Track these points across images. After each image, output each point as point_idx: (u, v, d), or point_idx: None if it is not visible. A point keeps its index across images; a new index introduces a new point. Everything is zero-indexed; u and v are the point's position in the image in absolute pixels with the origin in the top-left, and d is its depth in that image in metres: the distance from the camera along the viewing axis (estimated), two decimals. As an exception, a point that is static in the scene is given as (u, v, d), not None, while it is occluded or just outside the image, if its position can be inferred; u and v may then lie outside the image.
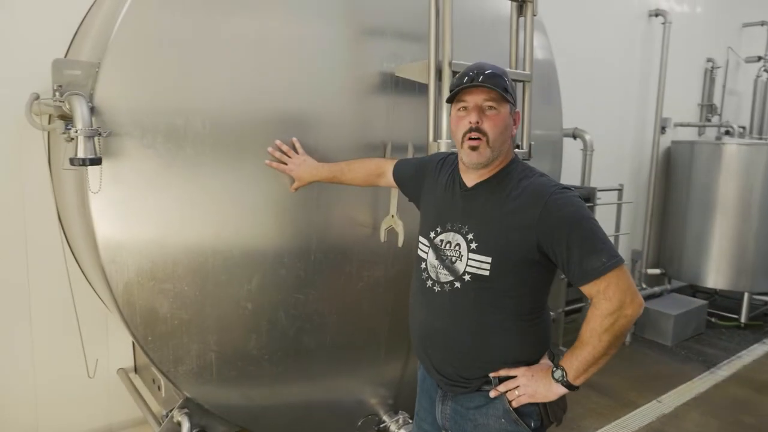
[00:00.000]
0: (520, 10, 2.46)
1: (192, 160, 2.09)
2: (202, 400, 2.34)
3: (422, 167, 2.01)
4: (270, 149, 2.19)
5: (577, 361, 1.62)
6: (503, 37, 2.65)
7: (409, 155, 2.40)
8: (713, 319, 5.73)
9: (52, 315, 2.80)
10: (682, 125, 6.34)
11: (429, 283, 1.78)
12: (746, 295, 5.61)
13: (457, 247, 1.70)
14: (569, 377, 1.64)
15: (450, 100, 1.73)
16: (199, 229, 2.15)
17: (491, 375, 1.72)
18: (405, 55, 2.47)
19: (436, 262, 1.76)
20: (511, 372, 1.71)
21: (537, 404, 1.71)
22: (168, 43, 2.03)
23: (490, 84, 1.61)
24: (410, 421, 2.76)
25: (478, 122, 1.63)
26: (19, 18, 2.57)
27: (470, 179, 1.74)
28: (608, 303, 1.54)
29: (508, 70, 2.48)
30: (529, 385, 1.68)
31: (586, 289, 1.59)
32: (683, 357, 4.88)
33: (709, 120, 6.64)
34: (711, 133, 6.64)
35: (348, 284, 2.51)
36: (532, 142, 2.50)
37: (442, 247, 1.74)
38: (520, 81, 2.49)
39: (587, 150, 4.81)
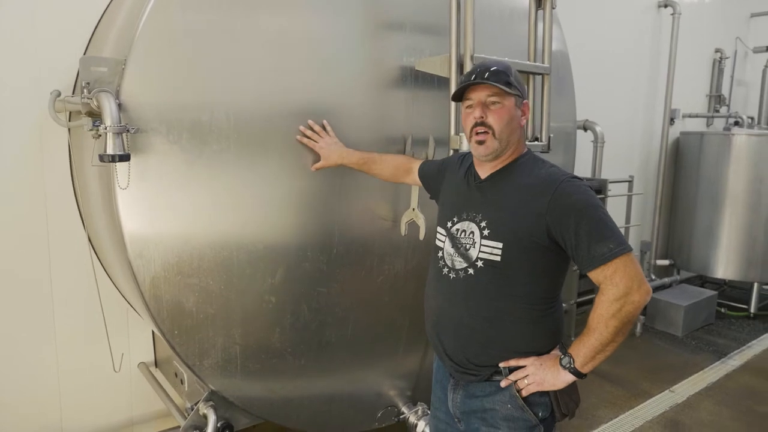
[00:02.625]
0: (539, 3, 2.47)
1: (216, 156, 2.11)
2: (226, 393, 2.36)
3: (444, 166, 2.09)
4: (301, 127, 2.23)
5: (584, 348, 1.64)
6: (519, 30, 2.66)
7: (430, 149, 2.41)
8: (723, 310, 5.75)
9: (75, 311, 2.83)
10: (690, 116, 6.34)
11: (445, 270, 1.83)
12: (756, 286, 5.62)
13: (471, 235, 1.76)
14: (576, 364, 1.66)
15: (457, 99, 1.82)
16: (223, 224, 2.17)
17: (501, 365, 1.76)
18: (425, 48, 2.48)
19: (452, 250, 1.82)
20: (521, 362, 1.74)
21: (548, 395, 1.74)
22: (192, 38, 2.04)
23: (492, 81, 1.69)
24: (429, 412, 2.79)
25: (482, 116, 1.71)
26: (37, 16, 2.58)
27: (484, 171, 1.82)
28: (615, 288, 1.57)
29: (527, 62, 2.50)
30: (537, 374, 1.71)
31: (594, 275, 1.62)
32: (694, 347, 4.90)
33: (717, 111, 6.63)
34: (719, 124, 6.63)
35: (369, 277, 2.53)
36: (552, 135, 2.51)
37: (458, 235, 1.80)
38: (539, 74, 2.50)
39: (598, 142, 4.82)
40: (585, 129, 4.83)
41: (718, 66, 6.59)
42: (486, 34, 2.56)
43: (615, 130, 5.25)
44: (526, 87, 1.93)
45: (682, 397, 3.91)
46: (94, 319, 2.82)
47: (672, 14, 5.65)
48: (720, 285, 6.22)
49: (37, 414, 2.81)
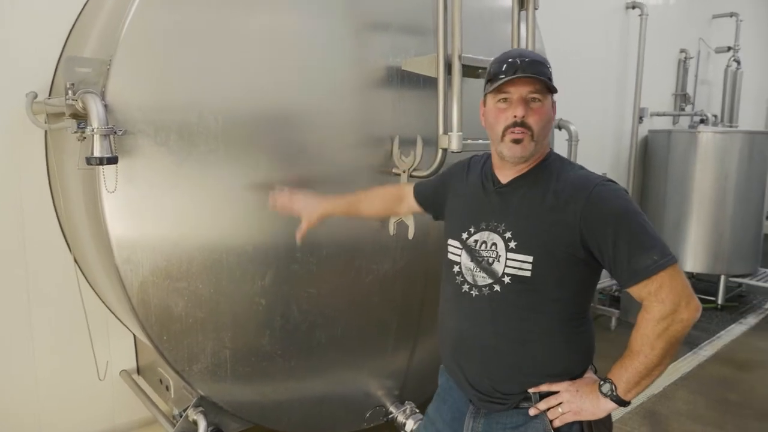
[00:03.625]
0: (522, 4, 2.50)
1: (205, 157, 2.08)
2: (216, 398, 2.33)
3: (445, 178, 1.89)
4: (270, 197, 2.12)
5: (627, 373, 1.45)
6: (501, 30, 2.69)
7: (418, 149, 2.42)
8: (692, 302, 5.92)
9: (54, 318, 2.75)
10: (658, 115, 6.51)
11: (465, 287, 1.62)
12: (723, 278, 5.82)
13: (493, 247, 1.57)
14: (619, 391, 1.47)
15: (489, 90, 1.55)
16: (213, 226, 2.14)
17: (531, 391, 1.57)
18: (410, 48, 2.50)
19: (471, 265, 1.61)
20: (553, 387, 1.55)
21: (580, 424, 1.55)
22: (178, 38, 2.01)
23: (536, 73, 1.47)
24: (417, 410, 2.81)
25: (524, 116, 1.49)
26: (8, 15, 2.49)
27: (506, 175, 1.61)
28: (661, 306, 1.40)
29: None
30: (574, 402, 1.51)
31: (636, 291, 1.45)
32: (667, 339, 5.03)
33: (683, 109, 6.84)
34: (684, 122, 6.85)
35: (358, 278, 2.53)
36: (536, 134, 2.54)
37: (477, 247, 1.60)
38: (523, 73, 2.53)
39: (572, 140, 4.90)
40: (560, 128, 4.92)
41: (683, 66, 6.80)
42: (467, 34, 2.59)
43: (588, 130, 5.35)
44: None
45: (659, 388, 4.01)
46: (74, 327, 2.75)
47: (640, 15, 5.80)
48: (688, 278, 6.40)
49: (15, 424, 2.72)
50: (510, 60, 1.50)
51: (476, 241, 1.61)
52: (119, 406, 2.99)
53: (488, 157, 1.73)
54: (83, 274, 2.75)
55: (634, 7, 5.83)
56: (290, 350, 2.44)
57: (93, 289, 2.79)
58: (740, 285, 6.20)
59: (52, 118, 2.42)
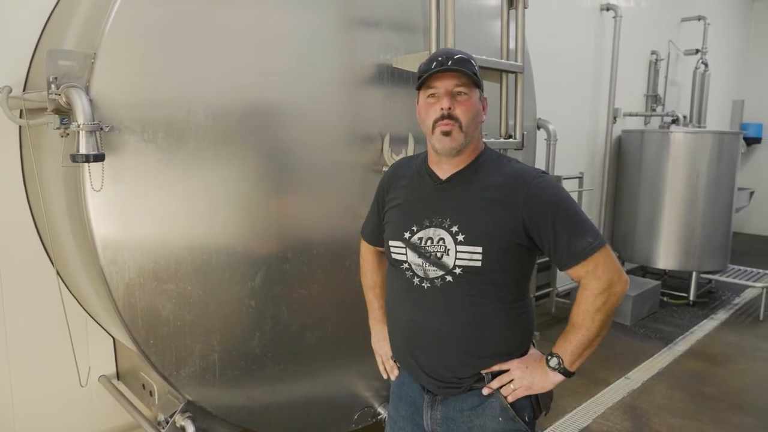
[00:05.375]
0: (511, 2, 2.51)
1: (194, 154, 2.02)
2: (204, 403, 2.27)
3: (378, 196, 1.89)
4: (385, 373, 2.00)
5: (571, 346, 1.59)
6: (489, 29, 2.69)
7: (410, 146, 2.40)
8: (665, 299, 6.06)
9: (29, 324, 2.64)
10: (630, 115, 6.64)
11: (416, 281, 1.67)
12: (694, 275, 5.96)
13: (441, 242, 1.62)
14: (566, 364, 1.60)
15: (419, 87, 1.63)
16: (202, 226, 2.08)
17: (483, 372, 1.66)
18: (400, 45, 2.47)
19: (419, 261, 1.65)
20: (504, 366, 1.65)
21: (528, 396, 1.67)
22: (165, 31, 1.95)
23: (461, 68, 1.56)
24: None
25: (450, 107, 1.57)
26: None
27: (444, 170, 1.67)
28: (598, 282, 1.54)
29: (501, 60, 2.53)
30: (525, 378, 1.63)
31: (575, 271, 1.58)
32: (642, 335, 5.13)
33: (654, 110, 6.99)
34: (655, 123, 7.00)
35: (348, 277, 2.49)
36: (526, 132, 2.55)
37: (423, 245, 1.65)
38: (512, 72, 2.54)
39: (551, 140, 4.96)
40: (538, 127, 4.95)
41: (654, 67, 6.95)
42: (458, 33, 2.59)
43: (563, 129, 5.41)
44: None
45: (637, 383, 4.08)
46: (51, 333, 2.64)
47: (614, 17, 5.91)
48: (661, 275, 6.55)
49: (-12, 436, 2.61)
50: (439, 58, 1.60)
51: (421, 239, 1.66)
52: (98, 412, 2.89)
53: (417, 157, 1.81)
54: (61, 277, 2.65)
55: (608, 9, 5.93)
56: (280, 352, 2.39)
57: (71, 292, 2.68)
58: (710, 281, 6.37)
59: (30, 113, 2.31)
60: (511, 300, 1.65)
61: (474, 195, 1.62)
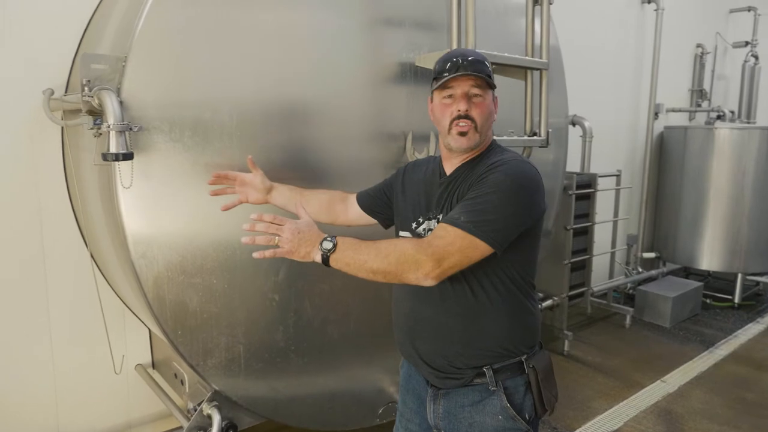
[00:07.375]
0: (536, -1, 2.49)
1: (219, 153, 2.09)
2: (230, 393, 2.35)
3: (391, 180, 1.97)
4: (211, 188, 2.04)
5: (353, 252, 1.52)
6: (514, 25, 2.67)
7: (432, 145, 2.41)
8: (708, 300, 5.85)
9: (71, 313, 2.78)
10: (674, 111, 6.43)
11: None
12: (740, 276, 5.74)
13: None
14: (333, 255, 1.53)
15: (435, 87, 1.68)
16: (227, 222, 2.15)
17: (485, 368, 1.66)
18: (423, 44, 2.49)
19: None
20: (277, 220, 1.58)
21: (531, 395, 1.68)
22: (193, 34, 2.02)
23: (476, 71, 1.61)
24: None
25: (467, 109, 1.62)
26: (26, 14, 2.52)
27: (451, 165, 1.73)
28: (428, 247, 1.50)
29: (526, 58, 2.52)
30: (294, 241, 1.56)
31: (436, 228, 1.57)
32: (682, 338, 4.98)
33: (699, 105, 6.74)
34: (701, 118, 6.75)
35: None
36: (550, 129, 2.53)
37: (425, 235, 1.71)
38: (537, 69, 2.52)
39: (586, 137, 4.87)
40: (573, 124, 4.88)
41: (699, 61, 6.70)
42: (480, 29, 2.58)
43: (601, 125, 5.30)
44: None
45: (674, 387, 3.97)
46: (91, 321, 2.78)
47: (655, 10, 5.73)
48: (704, 276, 6.33)
49: (33, 417, 2.76)
50: (453, 59, 1.64)
51: (425, 230, 1.74)
52: (134, 399, 3.02)
53: (433, 159, 1.86)
54: (99, 269, 2.78)
55: (649, 2, 5.76)
56: (303, 346, 2.45)
57: (109, 283, 2.82)
58: (758, 283, 6.12)
59: (69, 114, 2.44)
60: (508, 292, 1.65)
61: (463, 186, 1.65)
